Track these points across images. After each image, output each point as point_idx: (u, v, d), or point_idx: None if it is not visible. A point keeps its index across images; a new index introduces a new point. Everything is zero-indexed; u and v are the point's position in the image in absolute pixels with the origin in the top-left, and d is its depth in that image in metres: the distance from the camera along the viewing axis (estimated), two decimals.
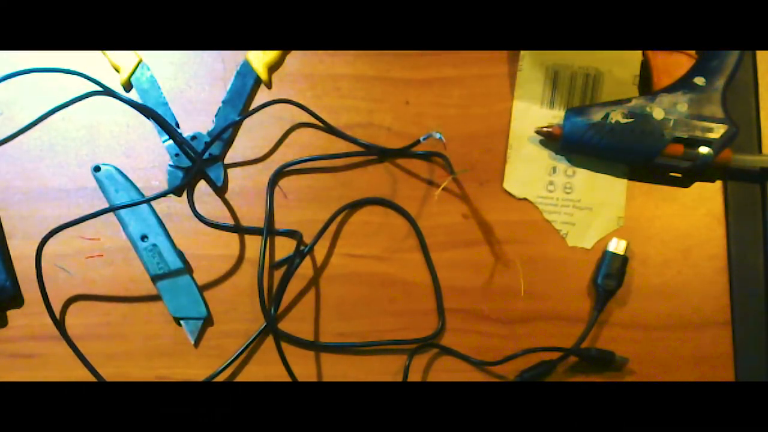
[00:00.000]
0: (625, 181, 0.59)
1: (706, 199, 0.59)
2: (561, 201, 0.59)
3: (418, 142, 0.58)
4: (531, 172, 0.59)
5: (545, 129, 0.58)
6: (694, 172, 0.58)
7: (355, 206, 0.60)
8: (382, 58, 0.61)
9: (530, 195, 0.59)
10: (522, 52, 0.59)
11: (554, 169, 0.59)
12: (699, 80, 0.56)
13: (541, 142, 0.60)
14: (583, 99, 0.59)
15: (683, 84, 0.57)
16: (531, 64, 0.59)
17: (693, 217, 0.59)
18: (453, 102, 0.61)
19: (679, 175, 0.59)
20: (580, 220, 0.59)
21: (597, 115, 0.56)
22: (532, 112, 0.59)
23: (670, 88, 0.57)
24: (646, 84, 0.59)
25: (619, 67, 0.59)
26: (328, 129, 0.60)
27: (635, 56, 0.59)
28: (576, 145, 0.58)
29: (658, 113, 0.56)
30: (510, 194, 0.59)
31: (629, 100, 0.56)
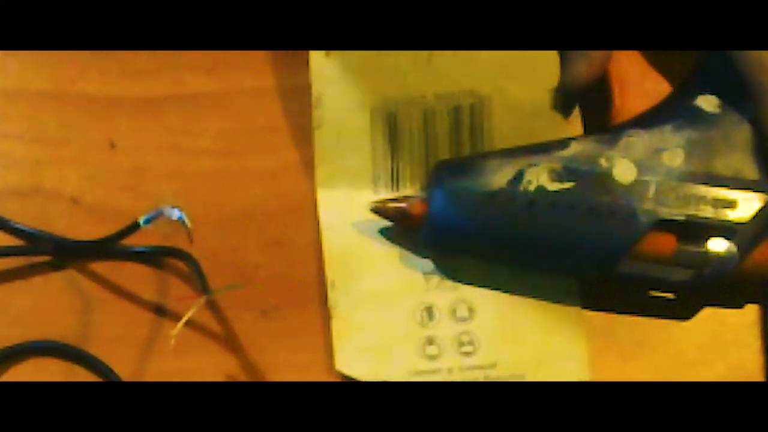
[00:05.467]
0: (577, 309, 0.43)
1: (728, 343, 0.44)
2: (458, 372, 0.43)
3: (136, 226, 0.43)
4: (383, 325, 0.43)
5: (391, 205, 0.42)
6: (699, 291, 0.42)
7: (8, 358, 0.46)
8: (61, 58, 0.46)
9: (392, 373, 0.43)
10: (315, 94, 0.43)
11: (429, 311, 0.42)
12: (706, 101, 0.39)
13: (388, 235, 0.43)
14: (458, 155, 0.44)
15: (674, 109, 0.40)
16: (336, 110, 0.43)
17: (700, 380, 0.44)
18: (206, 144, 0.45)
19: (672, 296, 0.43)
20: None
21: (499, 176, 0.40)
22: (357, 203, 0.43)
23: (648, 120, 0.39)
24: (588, 107, 0.42)
25: (516, 81, 0.43)
26: None
27: (546, 56, 0.43)
28: (458, 238, 0.41)
29: (623, 170, 0.39)
30: (349, 378, 0.44)
31: (565, 143, 0.39)
